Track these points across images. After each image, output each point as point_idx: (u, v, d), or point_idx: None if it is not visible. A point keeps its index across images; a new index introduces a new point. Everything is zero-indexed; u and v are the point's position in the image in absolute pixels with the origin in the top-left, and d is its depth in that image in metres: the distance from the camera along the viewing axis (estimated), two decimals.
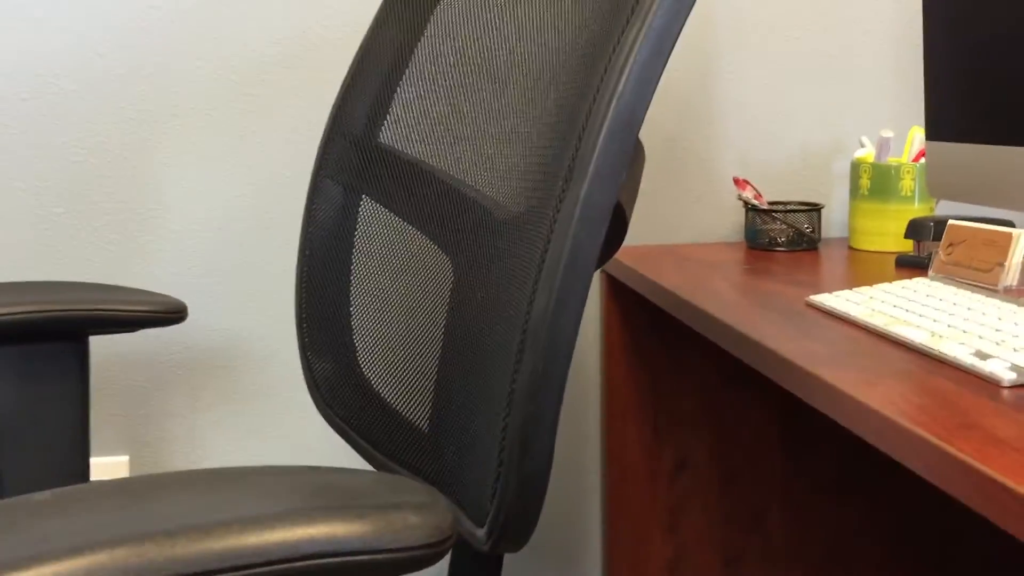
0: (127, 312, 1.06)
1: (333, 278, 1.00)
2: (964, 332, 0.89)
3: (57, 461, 1.04)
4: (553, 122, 0.77)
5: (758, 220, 1.47)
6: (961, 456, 0.65)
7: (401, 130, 0.97)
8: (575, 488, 1.59)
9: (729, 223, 1.57)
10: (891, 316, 0.97)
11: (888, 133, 1.43)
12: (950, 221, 1.12)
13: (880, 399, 0.77)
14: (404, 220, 0.94)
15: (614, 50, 0.71)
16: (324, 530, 0.56)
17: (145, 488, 0.63)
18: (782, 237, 1.45)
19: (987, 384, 0.80)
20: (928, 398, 0.77)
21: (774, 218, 1.46)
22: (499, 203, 0.81)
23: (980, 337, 0.87)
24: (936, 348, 0.87)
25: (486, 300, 0.78)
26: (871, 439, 0.76)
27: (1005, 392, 0.78)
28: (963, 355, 0.84)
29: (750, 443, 1.55)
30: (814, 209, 1.47)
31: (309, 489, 0.63)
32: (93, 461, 1.37)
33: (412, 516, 0.59)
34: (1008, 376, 0.79)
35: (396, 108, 0.99)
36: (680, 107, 1.54)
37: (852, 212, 1.46)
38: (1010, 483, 0.61)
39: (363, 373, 0.96)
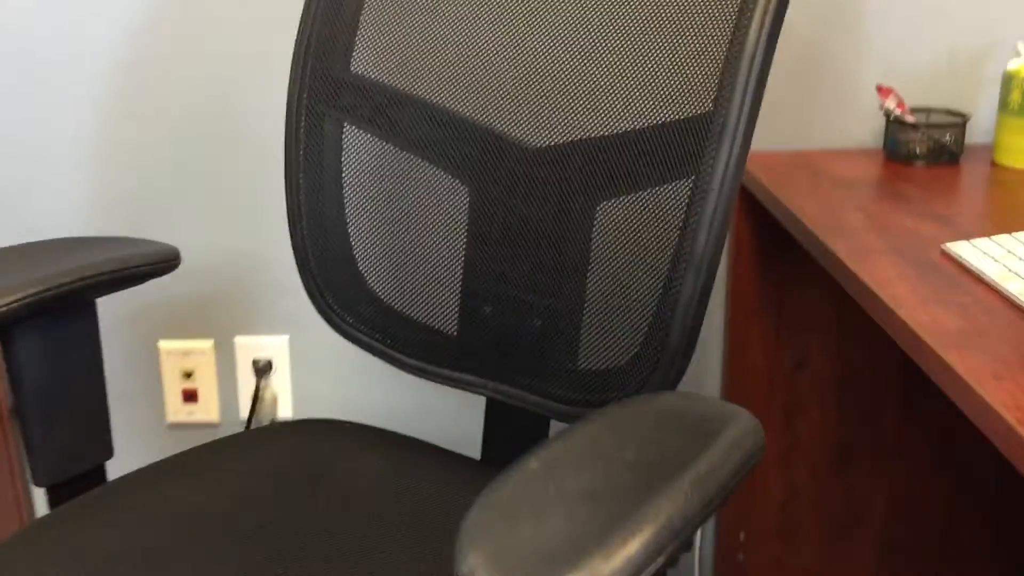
0: (127, 271, 1.08)
1: (328, 206, 1.11)
2: None
3: (81, 427, 1.07)
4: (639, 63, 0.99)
5: (898, 130, 1.44)
6: None
7: (381, 60, 1.07)
8: (694, 387, 1.65)
9: (867, 128, 1.54)
10: None
11: None
12: None
13: (1006, 399, 0.78)
14: (401, 148, 1.07)
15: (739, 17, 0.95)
16: (749, 434, 0.80)
17: (605, 438, 0.80)
18: (922, 148, 1.42)
19: None
20: None
21: (916, 128, 1.42)
22: (530, 134, 1.01)
23: None
24: None
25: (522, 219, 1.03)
26: (996, 442, 0.78)
27: None
28: None
29: (870, 348, 1.57)
30: (958, 125, 1.43)
31: (692, 413, 0.84)
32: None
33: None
34: None
35: (369, 33, 1.07)
36: (821, 7, 1.49)
37: (999, 126, 1.41)
38: None
39: (374, 290, 1.11)
